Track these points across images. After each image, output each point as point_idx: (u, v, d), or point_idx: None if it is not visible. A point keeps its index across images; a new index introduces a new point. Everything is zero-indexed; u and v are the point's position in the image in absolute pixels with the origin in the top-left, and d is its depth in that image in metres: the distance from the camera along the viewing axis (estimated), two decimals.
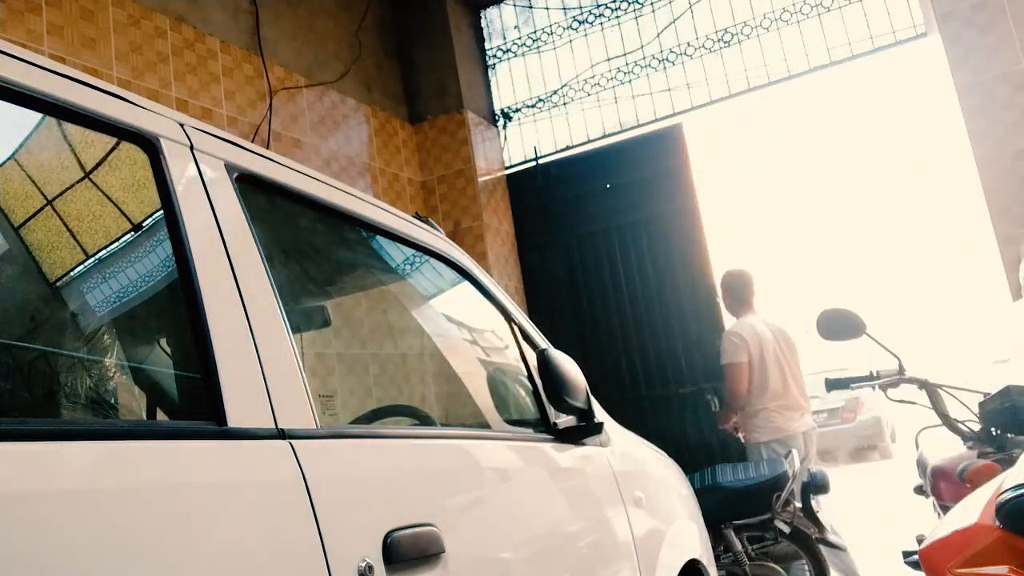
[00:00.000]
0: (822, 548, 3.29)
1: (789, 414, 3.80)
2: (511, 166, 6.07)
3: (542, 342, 1.98)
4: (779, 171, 21.36)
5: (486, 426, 2.18)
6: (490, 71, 6.19)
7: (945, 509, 2.34)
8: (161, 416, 1.18)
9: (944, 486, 2.42)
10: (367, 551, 1.06)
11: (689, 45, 5.57)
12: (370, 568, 1.04)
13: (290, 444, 1.04)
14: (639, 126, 5.76)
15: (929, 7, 4.67)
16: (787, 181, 21.44)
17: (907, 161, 19.52)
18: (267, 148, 1.33)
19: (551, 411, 1.85)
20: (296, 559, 0.97)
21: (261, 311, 1.11)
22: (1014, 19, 4.38)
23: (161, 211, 1.07)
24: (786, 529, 3.24)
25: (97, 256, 1.13)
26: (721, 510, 3.14)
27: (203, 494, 0.90)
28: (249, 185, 1.22)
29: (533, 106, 6.03)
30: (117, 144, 1.10)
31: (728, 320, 4.34)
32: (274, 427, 1.04)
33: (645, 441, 2.43)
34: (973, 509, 1.36)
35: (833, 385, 2.70)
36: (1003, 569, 1.20)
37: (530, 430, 1.93)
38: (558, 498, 1.72)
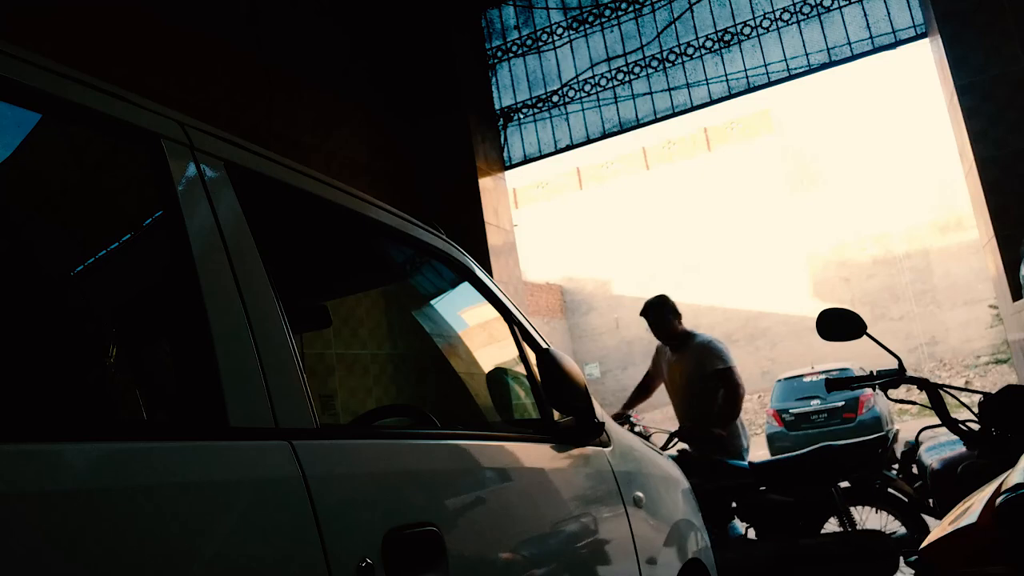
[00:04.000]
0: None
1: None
2: (511, 166, 6.07)
3: (543, 343, 1.98)
4: (778, 169, 21.37)
5: (486, 426, 2.17)
6: (490, 71, 6.19)
7: (945, 509, 2.34)
8: (161, 416, 1.17)
9: (944, 486, 2.42)
10: (367, 551, 1.06)
11: (689, 45, 5.57)
12: (370, 568, 1.04)
13: (290, 444, 1.04)
14: (640, 125, 5.76)
15: (929, 7, 4.67)
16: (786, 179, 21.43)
17: (906, 160, 19.51)
18: (266, 148, 1.33)
19: (552, 411, 1.85)
20: (296, 559, 0.97)
21: (261, 311, 1.11)
22: (1014, 19, 4.38)
23: (161, 210, 1.07)
24: (889, 487, 3.26)
25: (97, 255, 1.13)
26: (828, 468, 3.18)
27: (203, 493, 0.90)
28: (249, 184, 1.22)
29: (533, 106, 6.03)
30: (117, 143, 1.10)
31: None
32: (274, 427, 1.04)
33: (645, 441, 2.43)
34: (973, 509, 1.36)
35: (833, 385, 2.70)
36: (1003, 569, 1.20)
37: (530, 430, 1.92)
38: (558, 498, 1.72)
